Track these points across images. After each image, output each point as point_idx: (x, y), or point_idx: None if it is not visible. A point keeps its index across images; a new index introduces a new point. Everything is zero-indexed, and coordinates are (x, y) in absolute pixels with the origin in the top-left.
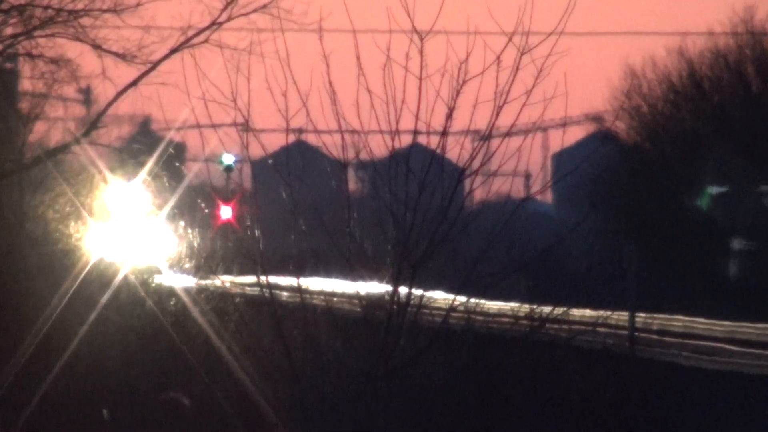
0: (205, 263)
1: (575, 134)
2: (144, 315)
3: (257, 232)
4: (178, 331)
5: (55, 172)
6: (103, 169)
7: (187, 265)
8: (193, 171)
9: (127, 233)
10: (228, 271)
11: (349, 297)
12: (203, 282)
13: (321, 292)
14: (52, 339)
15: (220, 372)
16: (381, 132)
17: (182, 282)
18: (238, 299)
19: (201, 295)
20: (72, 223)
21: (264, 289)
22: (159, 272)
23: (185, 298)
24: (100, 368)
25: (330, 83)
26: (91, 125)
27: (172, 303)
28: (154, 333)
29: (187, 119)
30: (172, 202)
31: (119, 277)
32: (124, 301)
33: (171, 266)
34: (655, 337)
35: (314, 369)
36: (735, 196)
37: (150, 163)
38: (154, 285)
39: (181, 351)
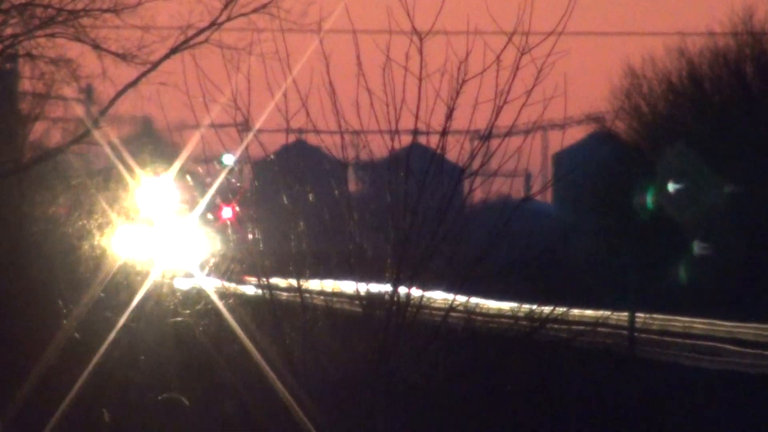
0: (217, 264)
1: (575, 134)
2: (155, 316)
3: (257, 233)
4: (207, 334)
5: (79, 168)
6: (131, 164)
7: (215, 267)
8: (222, 174)
9: (154, 233)
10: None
11: (349, 297)
12: (231, 284)
13: (321, 292)
14: (76, 347)
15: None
16: (381, 132)
17: (211, 284)
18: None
19: (229, 298)
20: (90, 222)
21: (264, 290)
22: (189, 275)
23: (215, 299)
24: (101, 368)
25: (330, 83)
26: (91, 125)
27: (176, 302)
28: (164, 335)
29: (187, 119)
30: (205, 202)
31: (148, 281)
32: (150, 306)
33: (202, 268)
34: (655, 337)
35: (314, 369)
36: (692, 193)
37: (178, 162)
38: (178, 288)
39: (208, 354)
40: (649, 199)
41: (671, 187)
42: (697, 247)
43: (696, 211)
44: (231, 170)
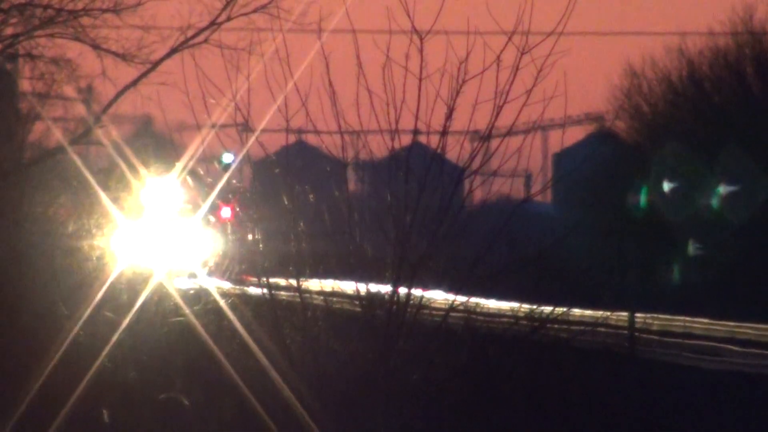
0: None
1: (575, 134)
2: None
3: (257, 233)
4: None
5: (84, 167)
6: (132, 164)
7: (216, 268)
8: (225, 176)
9: (156, 234)
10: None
11: (350, 297)
12: (231, 284)
13: (321, 292)
14: (79, 349)
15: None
16: (381, 132)
17: (211, 284)
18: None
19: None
20: (91, 222)
21: (264, 290)
22: (190, 275)
23: (217, 298)
24: (104, 370)
25: (330, 83)
26: (91, 125)
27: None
28: (166, 335)
29: (187, 119)
30: (209, 203)
31: (151, 282)
32: (153, 307)
33: (202, 269)
34: (655, 337)
35: (314, 369)
36: (687, 193)
37: (181, 163)
38: (180, 288)
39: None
40: (642, 198)
41: (666, 186)
42: (691, 247)
43: (690, 210)
44: (229, 167)
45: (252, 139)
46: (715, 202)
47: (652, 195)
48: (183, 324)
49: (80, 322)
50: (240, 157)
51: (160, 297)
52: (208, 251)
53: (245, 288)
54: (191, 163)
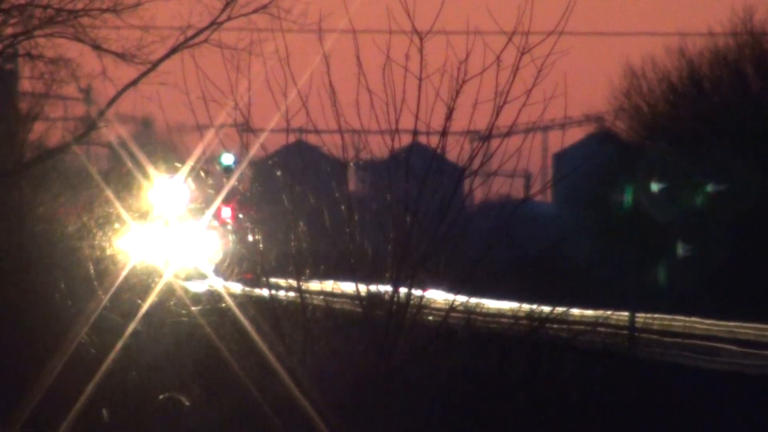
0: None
1: (575, 134)
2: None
3: (257, 234)
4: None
5: (92, 169)
6: (135, 163)
7: (216, 268)
8: (231, 180)
9: (157, 234)
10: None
11: (350, 297)
12: (230, 284)
13: (321, 292)
14: (84, 351)
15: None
16: (381, 132)
17: (211, 284)
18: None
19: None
20: (92, 223)
21: (265, 290)
22: (191, 276)
23: (225, 296)
24: (109, 372)
25: (330, 83)
26: (91, 125)
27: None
28: (167, 335)
29: (187, 119)
30: (216, 203)
31: (159, 284)
32: (157, 307)
33: (203, 269)
34: (655, 337)
35: (314, 369)
36: (672, 193)
37: (188, 165)
38: (182, 286)
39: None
40: (627, 197)
41: (654, 186)
42: (680, 248)
43: (678, 210)
44: (229, 169)
45: (257, 144)
46: (703, 201)
47: (638, 195)
48: (187, 322)
49: (86, 325)
50: (246, 161)
51: (166, 296)
52: (211, 251)
53: (246, 288)
54: (193, 164)
